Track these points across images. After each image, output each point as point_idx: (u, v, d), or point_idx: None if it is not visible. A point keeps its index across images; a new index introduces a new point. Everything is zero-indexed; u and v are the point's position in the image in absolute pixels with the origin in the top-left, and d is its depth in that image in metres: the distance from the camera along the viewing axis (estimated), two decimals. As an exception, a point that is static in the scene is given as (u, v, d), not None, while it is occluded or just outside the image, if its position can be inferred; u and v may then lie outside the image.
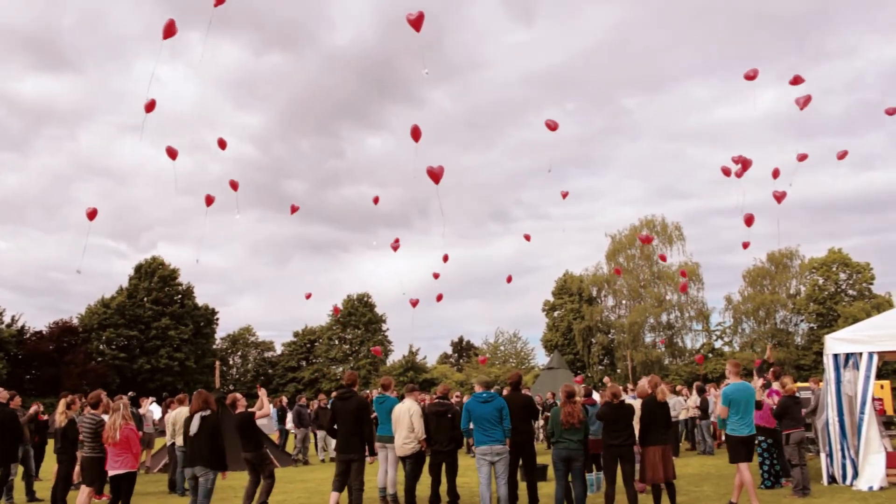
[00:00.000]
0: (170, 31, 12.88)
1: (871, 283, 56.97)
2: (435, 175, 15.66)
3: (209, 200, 17.11)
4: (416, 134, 15.37)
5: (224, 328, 71.63)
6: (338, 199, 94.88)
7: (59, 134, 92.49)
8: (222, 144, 16.87)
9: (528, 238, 25.00)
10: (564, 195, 23.44)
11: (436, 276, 22.88)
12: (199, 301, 62.76)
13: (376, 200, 22.60)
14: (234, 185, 17.73)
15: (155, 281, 59.04)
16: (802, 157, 17.53)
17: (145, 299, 58.52)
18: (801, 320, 59.81)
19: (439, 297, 23.89)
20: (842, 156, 17.98)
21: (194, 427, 8.94)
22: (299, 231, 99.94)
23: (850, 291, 57.65)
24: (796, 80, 16.33)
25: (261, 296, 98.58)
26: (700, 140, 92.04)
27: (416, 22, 13.18)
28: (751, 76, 16.44)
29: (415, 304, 23.62)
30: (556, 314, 67.06)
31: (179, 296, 61.11)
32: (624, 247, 64.01)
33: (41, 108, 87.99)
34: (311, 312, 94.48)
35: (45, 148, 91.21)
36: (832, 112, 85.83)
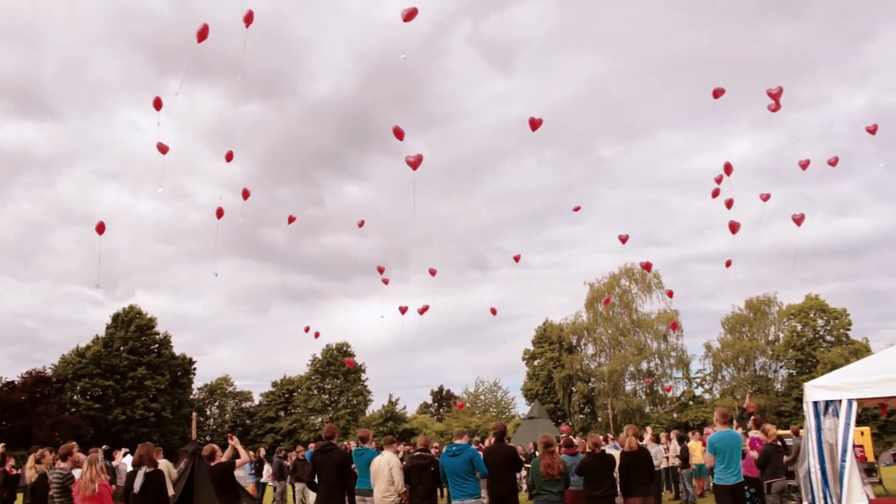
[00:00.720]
0: (203, 34, 13.53)
1: (849, 329, 57.31)
2: (412, 164, 16.03)
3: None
4: (415, 164, 15.77)
5: (201, 378, 70.87)
6: (316, 247, 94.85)
7: (37, 181, 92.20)
8: (230, 157, 17.33)
9: (493, 312, 25.67)
10: (517, 259, 24.14)
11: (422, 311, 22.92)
12: (177, 350, 62.13)
13: (361, 224, 22.86)
14: (219, 214, 17.91)
15: (132, 330, 58.37)
16: (766, 198, 17.88)
17: (122, 349, 57.79)
18: (781, 367, 59.98)
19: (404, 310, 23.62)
20: (766, 198, 18.42)
21: (138, 484, 8.38)
22: (278, 279, 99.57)
23: (828, 337, 57.93)
24: (776, 100, 16.69)
25: (239, 345, 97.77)
26: (677, 188, 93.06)
27: (408, 17, 13.59)
28: (773, 94, 16.70)
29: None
30: (536, 363, 66.82)
31: (156, 345, 60.42)
32: (603, 295, 64.15)
33: (20, 155, 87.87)
34: (289, 362, 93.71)
35: (22, 195, 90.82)
36: (805, 158, 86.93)
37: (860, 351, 51.83)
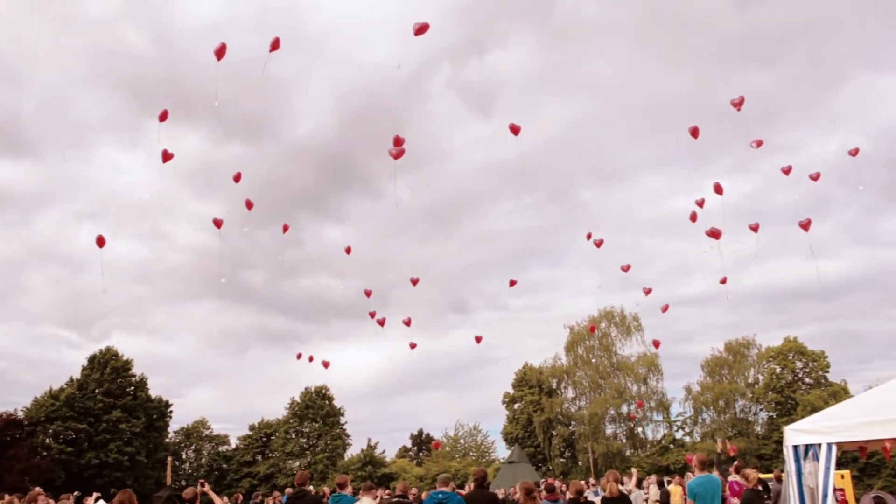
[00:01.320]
0: (221, 52, 13.96)
1: (827, 371, 57.56)
2: (394, 154, 16.23)
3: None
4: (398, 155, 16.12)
5: (177, 421, 69.80)
6: (296, 289, 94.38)
7: (14, 219, 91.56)
8: (237, 178, 17.71)
9: (478, 340, 25.75)
10: (512, 283, 24.17)
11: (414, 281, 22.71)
12: (153, 393, 61.25)
13: (348, 251, 23.10)
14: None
15: (108, 372, 57.58)
16: (755, 227, 18.30)
17: (97, 391, 56.93)
18: (761, 409, 60.04)
19: None
20: (755, 228, 19.07)
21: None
22: (257, 322, 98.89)
23: (807, 380, 58.11)
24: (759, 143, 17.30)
25: (216, 387, 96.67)
26: (656, 231, 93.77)
27: (419, 31, 14.51)
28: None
29: None
30: (515, 406, 66.45)
31: (132, 387, 59.55)
32: (583, 338, 64.18)
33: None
34: (267, 405, 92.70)
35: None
36: (781, 202, 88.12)
37: (839, 393, 52.04)
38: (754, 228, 18.75)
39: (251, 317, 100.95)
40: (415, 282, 23.63)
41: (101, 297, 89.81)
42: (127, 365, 59.39)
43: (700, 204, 18.76)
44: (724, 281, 20.37)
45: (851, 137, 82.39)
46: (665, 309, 29.39)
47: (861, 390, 50.87)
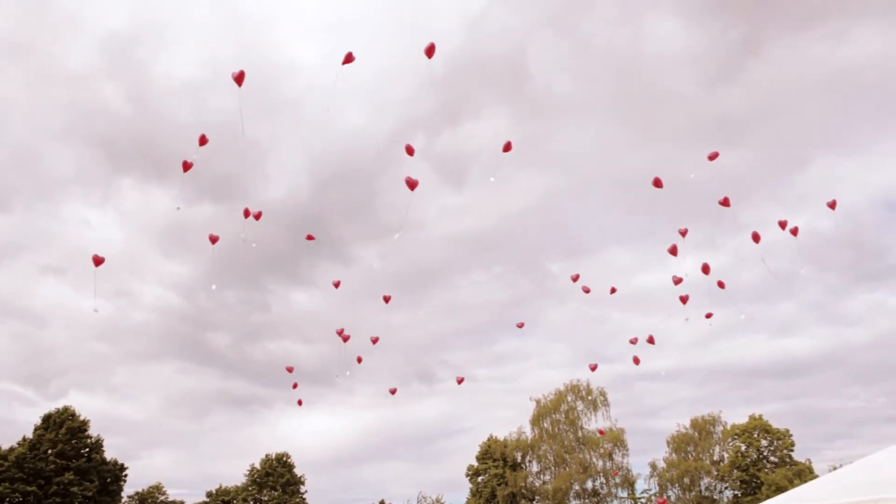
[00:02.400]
0: (349, 59, 14.61)
1: (792, 450, 57.57)
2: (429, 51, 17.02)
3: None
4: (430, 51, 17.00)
5: (133, 485, 67.63)
6: (261, 353, 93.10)
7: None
8: (214, 240, 17.99)
9: (459, 381, 25.66)
10: (460, 381, 24.31)
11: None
12: (108, 455, 59.52)
13: (337, 285, 23.08)
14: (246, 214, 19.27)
15: (62, 432, 55.97)
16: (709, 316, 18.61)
17: (49, 451, 55.22)
18: (726, 487, 59.75)
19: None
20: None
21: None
22: (219, 385, 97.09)
23: (772, 458, 58.03)
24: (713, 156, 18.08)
25: (174, 451, 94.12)
26: (623, 305, 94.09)
27: (429, 52, 15.63)
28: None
29: None
30: (479, 479, 65.48)
31: (87, 449, 57.87)
32: (549, 411, 63.77)
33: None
34: (226, 471, 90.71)
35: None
36: (747, 280, 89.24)
37: (804, 472, 52.00)
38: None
39: (214, 380, 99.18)
40: (374, 340, 23.47)
41: (61, 354, 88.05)
42: (83, 425, 57.84)
43: (677, 282, 19.04)
44: (708, 316, 20.72)
45: (816, 218, 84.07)
46: (613, 291, 28.95)
47: (826, 470, 50.95)
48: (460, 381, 25.96)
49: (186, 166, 16.86)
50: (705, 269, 19.27)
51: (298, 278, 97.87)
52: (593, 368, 29.22)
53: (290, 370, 23.57)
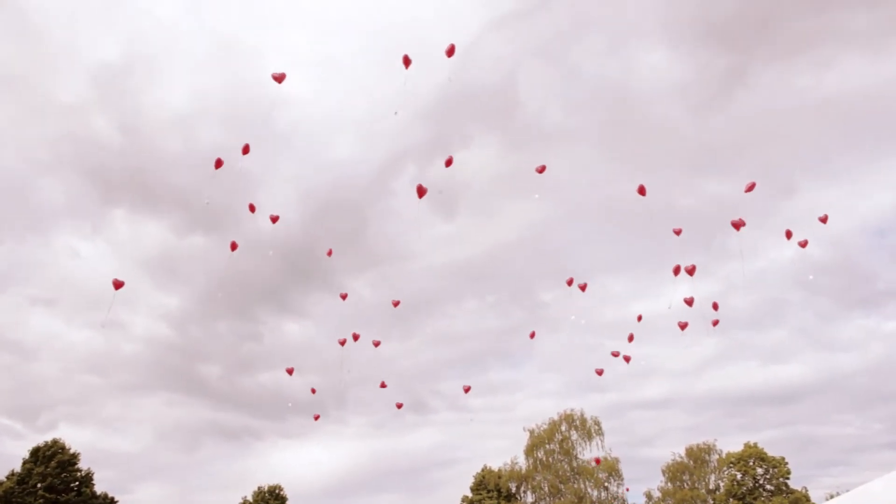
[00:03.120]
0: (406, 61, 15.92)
1: (788, 478, 57.30)
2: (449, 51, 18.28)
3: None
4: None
5: (122, 519, 66.96)
6: (253, 384, 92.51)
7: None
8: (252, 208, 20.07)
9: (466, 390, 26.32)
10: (467, 389, 24.39)
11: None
12: (99, 488, 58.79)
13: (344, 296, 23.76)
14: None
15: (52, 466, 55.31)
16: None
17: (39, 485, 54.51)
18: (722, 517, 59.36)
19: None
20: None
21: None
22: (211, 416, 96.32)
23: (768, 486, 57.74)
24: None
25: (165, 484, 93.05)
26: (616, 333, 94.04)
27: (449, 52, 16.92)
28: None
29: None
30: (474, 510, 64.99)
31: (77, 482, 57.16)
32: (543, 441, 63.43)
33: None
34: (218, 503, 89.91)
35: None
36: (740, 307, 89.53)
37: (800, 500, 51.80)
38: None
39: (205, 411, 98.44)
40: (383, 385, 23.79)
41: (50, 386, 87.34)
42: (73, 459, 57.20)
43: (689, 303, 19.38)
44: (716, 308, 21.24)
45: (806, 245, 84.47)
46: (639, 319, 28.64)
47: (822, 497, 50.74)
48: (467, 389, 26.02)
49: (219, 163, 18.63)
50: (689, 302, 19.46)
51: (290, 309, 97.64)
52: (600, 373, 29.28)
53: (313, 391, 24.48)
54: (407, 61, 19.72)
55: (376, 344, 22.37)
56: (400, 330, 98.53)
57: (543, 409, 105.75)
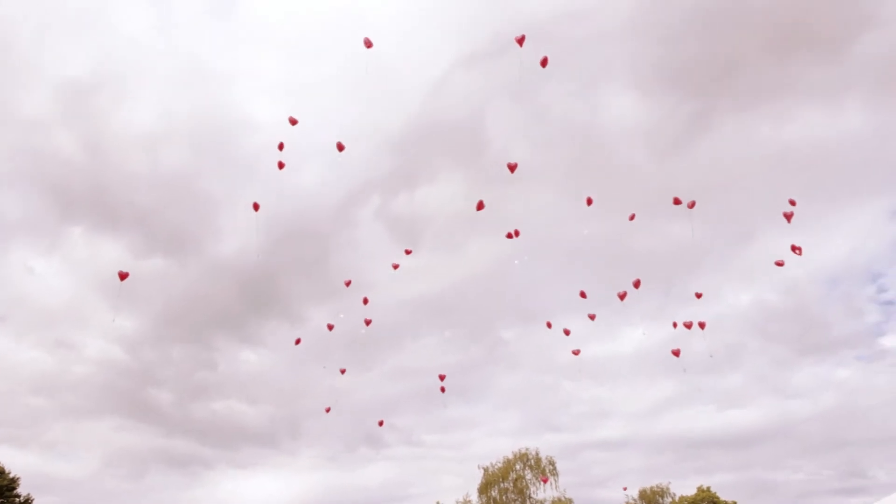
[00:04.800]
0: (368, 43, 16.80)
1: (739, 524, 57.43)
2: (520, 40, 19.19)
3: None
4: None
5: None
6: (205, 412, 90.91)
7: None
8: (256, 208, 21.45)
9: (442, 378, 26.99)
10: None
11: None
12: (37, 516, 57.06)
13: (348, 283, 24.18)
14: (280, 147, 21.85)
15: (-11, 490, 53.59)
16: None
17: (-26, 511, 52.75)
18: (673, 561, 59.24)
19: None
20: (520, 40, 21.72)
21: None
22: (160, 444, 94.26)
23: (721, 532, 57.81)
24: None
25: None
26: (574, 373, 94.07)
27: (520, 41, 18.14)
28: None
29: None
30: (425, 548, 64.24)
31: (15, 509, 55.41)
32: (497, 479, 62.93)
33: None
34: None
35: None
36: (697, 351, 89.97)
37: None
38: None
39: (155, 438, 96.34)
40: (327, 411, 23.96)
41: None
42: (12, 483, 55.40)
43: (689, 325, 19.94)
44: (702, 325, 21.83)
45: (762, 292, 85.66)
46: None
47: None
48: (443, 388, 26.64)
49: (280, 165, 19.58)
50: (688, 325, 19.72)
51: (247, 337, 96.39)
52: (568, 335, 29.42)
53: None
54: (368, 43, 21.55)
55: (342, 371, 23.28)
56: (357, 362, 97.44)
57: (499, 447, 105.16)
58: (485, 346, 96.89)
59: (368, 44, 21.52)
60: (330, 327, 25.01)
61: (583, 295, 26.48)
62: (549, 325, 26.49)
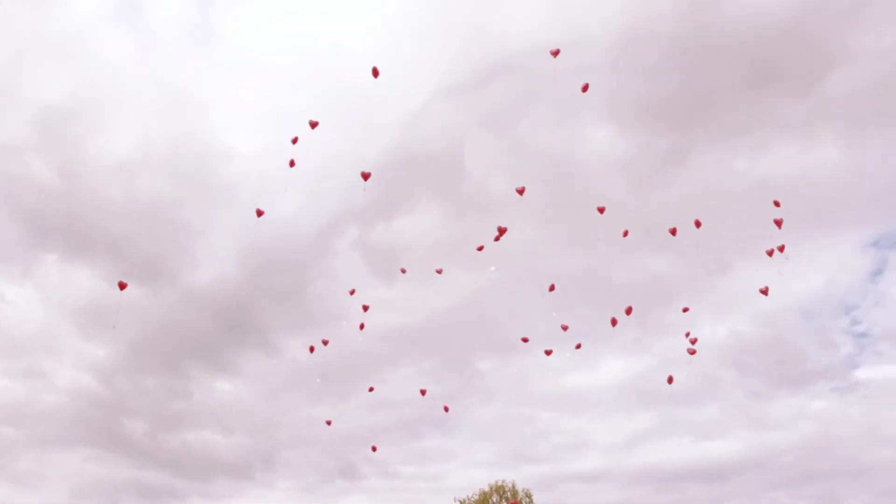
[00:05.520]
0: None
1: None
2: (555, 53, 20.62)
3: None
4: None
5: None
6: (178, 442, 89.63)
7: None
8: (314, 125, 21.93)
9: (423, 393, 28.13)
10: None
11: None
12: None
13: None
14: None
15: (-46, 524, 52.45)
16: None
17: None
18: None
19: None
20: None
21: None
22: (132, 475, 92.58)
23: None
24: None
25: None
26: (551, 405, 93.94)
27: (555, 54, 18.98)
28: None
29: None
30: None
31: (-20, 542, 54.27)
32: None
33: None
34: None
35: None
36: (673, 382, 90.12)
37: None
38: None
39: (126, 469, 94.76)
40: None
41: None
42: (-21, 516, 54.40)
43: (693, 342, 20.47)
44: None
45: (738, 323, 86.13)
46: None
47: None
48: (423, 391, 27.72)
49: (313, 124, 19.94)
50: (693, 341, 20.34)
51: (222, 366, 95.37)
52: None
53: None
54: (376, 73, 22.34)
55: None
56: (334, 393, 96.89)
57: (475, 479, 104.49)
58: (462, 377, 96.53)
59: (376, 73, 22.17)
60: (325, 342, 25.50)
61: (564, 328, 26.63)
62: (548, 353, 27.10)
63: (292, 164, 21.52)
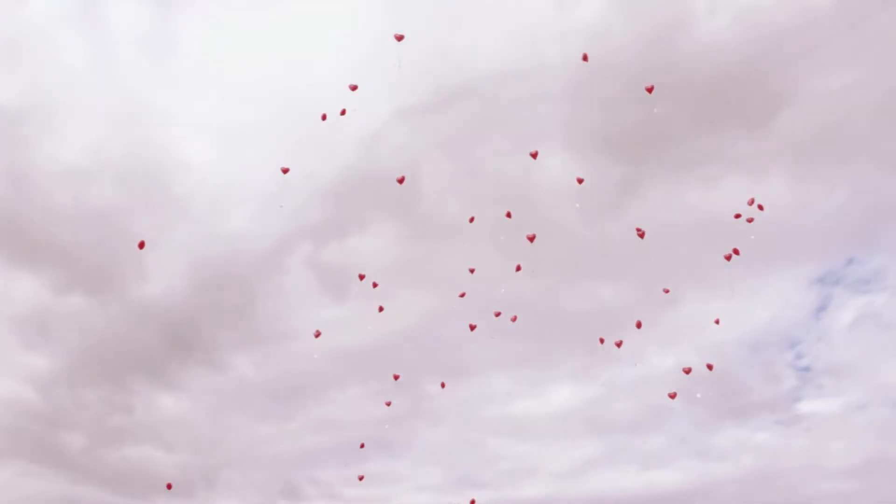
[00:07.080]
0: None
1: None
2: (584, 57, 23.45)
3: None
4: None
5: None
6: (117, 459, 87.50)
7: None
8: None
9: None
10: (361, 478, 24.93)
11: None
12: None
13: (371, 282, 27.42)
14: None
15: None
16: None
17: None
18: None
19: None
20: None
21: None
22: (67, 491, 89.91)
23: None
24: None
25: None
26: (499, 430, 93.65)
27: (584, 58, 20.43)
28: None
29: None
30: None
31: None
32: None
33: None
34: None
35: None
36: (621, 410, 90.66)
37: None
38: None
39: (62, 485, 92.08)
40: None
41: None
42: None
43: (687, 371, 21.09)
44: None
45: (686, 355, 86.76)
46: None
47: None
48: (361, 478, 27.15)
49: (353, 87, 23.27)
50: (687, 371, 21.32)
51: (166, 381, 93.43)
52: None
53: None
54: (353, 88, 23.47)
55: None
56: (279, 412, 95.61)
57: (421, 503, 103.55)
58: (409, 400, 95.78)
59: (353, 88, 22.89)
60: (317, 334, 26.27)
61: (522, 358, 27.97)
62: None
63: (343, 112, 22.58)
